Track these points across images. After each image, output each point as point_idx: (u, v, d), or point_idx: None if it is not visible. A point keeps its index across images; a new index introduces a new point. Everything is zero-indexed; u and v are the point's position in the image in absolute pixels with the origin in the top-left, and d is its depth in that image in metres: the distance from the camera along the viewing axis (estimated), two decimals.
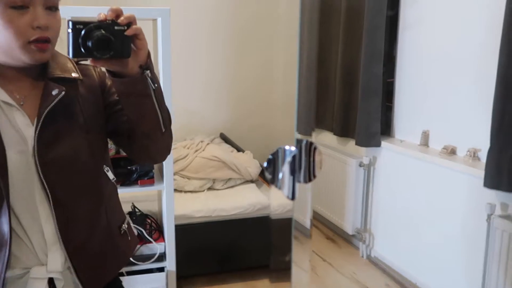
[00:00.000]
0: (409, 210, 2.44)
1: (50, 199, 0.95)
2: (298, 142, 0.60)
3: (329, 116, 3.06)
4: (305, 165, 0.60)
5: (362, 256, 2.81)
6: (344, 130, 2.92)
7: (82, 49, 0.86)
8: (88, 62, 0.90)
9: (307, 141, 0.61)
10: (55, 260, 0.99)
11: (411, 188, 2.43)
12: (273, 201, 2.49)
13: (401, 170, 2.52)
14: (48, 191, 0.95)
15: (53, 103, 0.95)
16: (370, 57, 2.57)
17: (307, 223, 0.83)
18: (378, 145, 2.64)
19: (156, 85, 0.96)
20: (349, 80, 2.84)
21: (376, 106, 2.60)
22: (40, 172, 0.94)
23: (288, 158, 0.59)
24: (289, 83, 3.63)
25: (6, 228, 0.94)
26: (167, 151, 1.09)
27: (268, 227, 2.53)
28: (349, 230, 2.86)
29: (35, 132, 0.94)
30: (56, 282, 1.01)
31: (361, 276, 2.58)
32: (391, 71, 2.65)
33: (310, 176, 0.60)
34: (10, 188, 0.94)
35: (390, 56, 2.66)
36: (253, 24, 3.68)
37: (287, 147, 0.61)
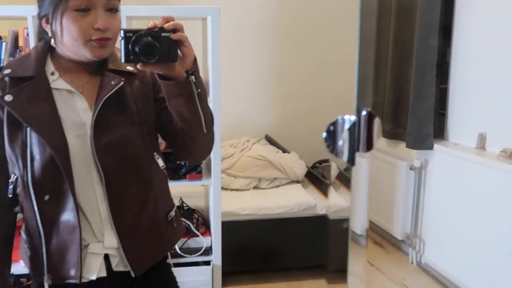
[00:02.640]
0: (464, 216, 2.32)
1: (103, 180, 1.01)
2: (358, 111, 0.59)
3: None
4: (364, 134, 0.58)
5: (412, 263, 2.70)
6: (394, 133, 2.84)
7: (132, 55, 0.92)
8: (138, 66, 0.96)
9: (367, 110, 0.59)
10: (110, 238, 1.04)
11: (466, 192, 2.31)
12: (331, 201, 2.46)
13: (455, 174, 2.40)
14: (101, 173, 1.00)
15: (112, 91, 1.01)
16: (423, 57, 2.49)
17: (363, 233, 0.82)
18: (430, 147, 2.54)
19: (199, 90, 0.99)
20: (399, 81, 2.77)
21: (429, 107, 2.51)
22: (95, 155, 1.00)
23: (347, 126, 0.58)
24: (337, 87, 3.58)
25: (73, 211, 1.00)
26: (208, 151, 1.13)
27: (315, 228, 2.50)
28: (398, 235, 2.76)
29: (93, 117, 1.00)
30: (111, 259, 1.06)
31: (411, 283, 2.48)
32: (445, 76, 2.55)
33: (369, 145, 0.58)
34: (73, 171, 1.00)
35: (443, 61, 2.57)
36: (302, 24, 3.65)
37: (346, 116, 0.60)
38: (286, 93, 3.74)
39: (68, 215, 1.01)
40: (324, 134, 0.61)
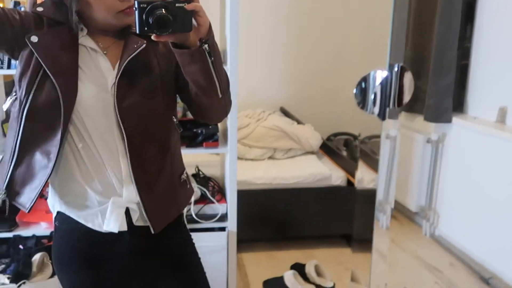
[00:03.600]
0: (480, 189, 2.31)
1: (125, 138, 1.03)
2: (390, 67, 0.58)
3: None
4: (396, 89, 0.58)
5: (425, 234, 2.72)
6: (412, 106, 2.80)
7: (146, 26, 0.92)
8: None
9: (399, 65, 0.58)
10: (131, 192, 1.08)
11: (484, 166, 2.29)
12: (359, 173, 2.46)
13: (473, 148, 2.38)
14: (124, 131, 1.03)
15: (134, 53, 1.03)
16: (446, 28, 2.42)
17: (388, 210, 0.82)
18: (448, 121, 2.51)
19: (213, 58, 0.99)
20: (419, 53, 2.71)
21: (449, 80, 2.46)
22: (118, 114, 1.02)
23: (379, 81, 0.57)
24: (353, 62, 3.52)
25: (55, 151, 1.02)
26: (225, 113, 1.15)
27: (329, 198, 2.52)
28: (413, 208, 2.77)
29: (116, 77, 1.02)
30: (132, 213, 1.10)
31: (424, 254, 2.50)
32: (466, 52, 2.48)
33: (400, 100, 0.58)
34: (90, 123, 1.03)
35: (465, 36, 2.50)
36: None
37: (378, 71, 0.59)
38: (302, 66, 3.70)
39: (48, 151, 1.03)
40: (355, 90, 0.60)
